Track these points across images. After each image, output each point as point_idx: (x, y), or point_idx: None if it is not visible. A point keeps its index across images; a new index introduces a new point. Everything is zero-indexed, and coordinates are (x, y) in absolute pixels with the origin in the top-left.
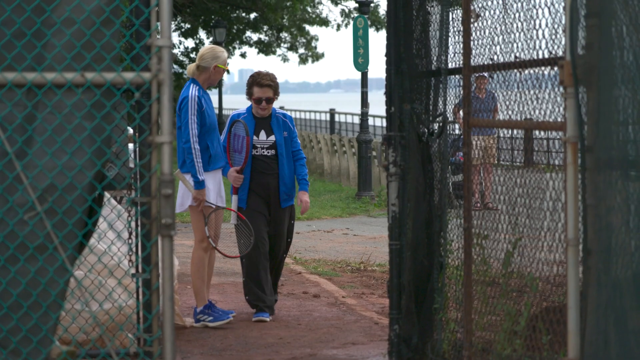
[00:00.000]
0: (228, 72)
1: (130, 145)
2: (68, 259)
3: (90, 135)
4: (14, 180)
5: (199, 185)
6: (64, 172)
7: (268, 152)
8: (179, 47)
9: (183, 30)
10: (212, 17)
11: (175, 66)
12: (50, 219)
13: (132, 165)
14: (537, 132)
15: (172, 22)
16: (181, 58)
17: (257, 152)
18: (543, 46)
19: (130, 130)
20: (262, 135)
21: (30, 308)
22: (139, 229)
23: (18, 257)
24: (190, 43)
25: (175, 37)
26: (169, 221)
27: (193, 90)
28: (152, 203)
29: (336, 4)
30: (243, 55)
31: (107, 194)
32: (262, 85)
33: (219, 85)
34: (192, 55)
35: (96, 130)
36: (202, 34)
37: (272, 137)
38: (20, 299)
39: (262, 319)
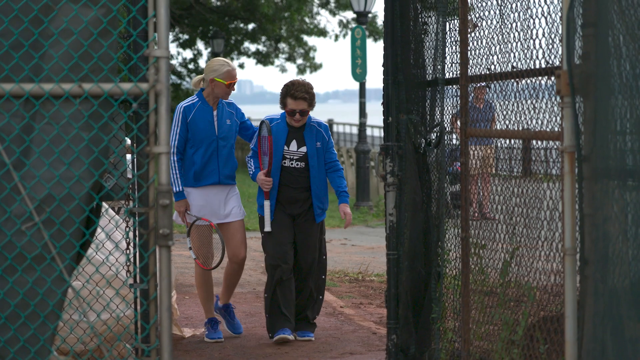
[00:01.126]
0: (229, 86)
1: (128, 156)
2: (66, 269)
3: (88, 145)
4: (11, 190)
5: (176, 196)
6: (61, 183)
7: (297, 164)
8: (177, 58)
9: (181, 41)
10: (210, 27)
11: (173, 77)
12: (48, 229)
13: (129, 175)
14: (535, 142)
15: (170, 33)
16: (179, 69)
17: (285, 163)
18: (540, 56)
19: (128, 141)
20: (293, 145)
21: (28, 318)
22: (137, 239)
23: (16, 267)
24: (188, 54)
25: (174, 48)
26: (166, 231)
27: (186, 101)
28: (149, 213)
29: (334, 14)
30: (241, 66)
31: (105, 205)
32: (296, 98)
33: None
34: (190, 66)
35: (94, 140)
36: (200, 44)
37: (304, 149)
38: (17, 309)
39: (284, 337)
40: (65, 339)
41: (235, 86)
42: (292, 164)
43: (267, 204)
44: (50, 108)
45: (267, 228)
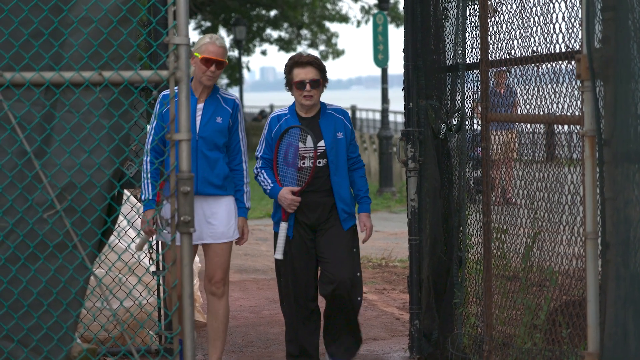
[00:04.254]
0: (208, 64)
1: None
2: (88, 256)
3: (109, 133)
4: (33, 179)
5: (145, 205)
6: (82, 171)
7: (319, 162)
8: None
9: (203, 28)
10: (232, 15)
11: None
12: (69, 217)
13: None
14: (556, 127)
15: (192, 21)
16: None
17: (305, 163)
18: (560, 40)
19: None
20: (309, 141)
21: (51, 306)
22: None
23: (38, 255)
24: None
25: (196, 36)
26: (187, 218)
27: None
28: (171, 200)
29: (356, 0)
30: (264, 52)
31: (126, 192)
32: (303, 64)
33: (239, 82)
34: None
35: (114, 128)
36: (222, 32)
37: (322, 143)
38: (40, 297)
39: None
40: (88, 327)
41: (218, 70)
42: (311, 162)
43: (284, 225)
44: (71, 96)
45: (278, 255)
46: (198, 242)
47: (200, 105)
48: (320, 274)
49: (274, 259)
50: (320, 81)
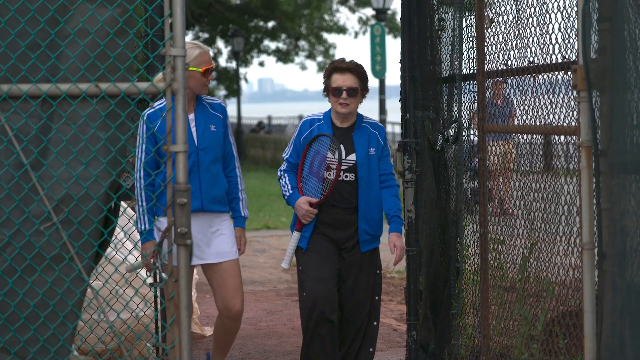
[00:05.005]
0: (205, 74)
1: None
2: (84, 269)
3: (105, 145)
4: (29, 191)
5: (142, 237)
6: (79, 183)
7: (346, 177)
8: None
9: (201, 39)
10: (230, 26)
11: None
12: (66, 229)
13: None
14: (552, 137)
15: (190, 32)
16: None
17: (331, 175)
18: (556, 51)
19: None
20: (341, 151)
21: (47, 318)
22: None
23: (35, 267)
24: None
25: None
26: (184, 230)
27: (152, 106)
28: (167, 212)
29: (353, 11)
30: (261, 64)
31: (123, 204)
32: (342, 71)
33: (237, 94)
34: None
35: (111, 140)
36: (220, 43)
37: (353, 156)
38: (37, 309)
39: None
40: (85, 339)
41: (213, 74)
42: (339, 176)
43: (296, 235)
44: (67, 108)
45: (285, 264)
46: (200, 263)
47: (191, 116)
48: (340, 297)
49: (281, 268)
50: (359, 90)
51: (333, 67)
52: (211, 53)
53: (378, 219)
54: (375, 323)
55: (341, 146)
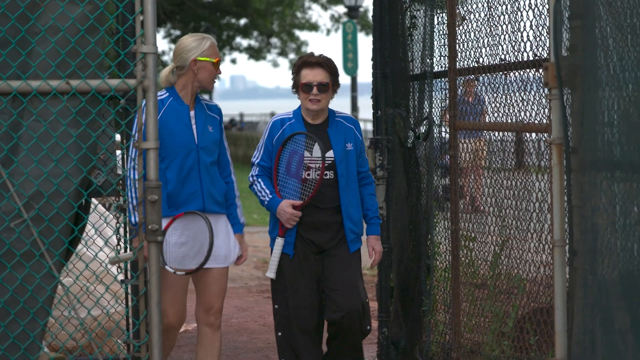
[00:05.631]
0: (217, 66)
1: (118, 152)
2: (55, 265)
3: (76, 142)
4: (0, 188)
5: (134, 232)
6: (50, 180)
7: (325, 175)
8: (168, 54)
9: (173, 37)
10: (202, 23)
11: None
12: (36, 226)
13: (119, 171)
14: (524, 134)
15: (162, 29)
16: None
17: (310, 174)
18: (528, 48)
19: (118, 137)
20: (316, 150)
21: (18, 315)
22: (126, 235)
23: (5, 264)
24: None
25: (165, 44)
26: (155, 227)
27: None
28: (139, 209)
29: (325, 9)
30: (233, 61)
31: (94, 201)
32: (312, 65)
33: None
34: None
35: (82, 137)
36: None
37: (331, 153)
38: (7, 306)
39: None
40: (56, 336)
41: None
42: (317, 174)
43: (279, 242)
44: (38, 105)
45: (270, 274)
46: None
47: (192, 113)
48: (327, 301)
49: (268, 277)
50: (330, 85)
51: (302, 62)
52: None
53: (360, 217)
54: (368, 327)
55: (320, 143)
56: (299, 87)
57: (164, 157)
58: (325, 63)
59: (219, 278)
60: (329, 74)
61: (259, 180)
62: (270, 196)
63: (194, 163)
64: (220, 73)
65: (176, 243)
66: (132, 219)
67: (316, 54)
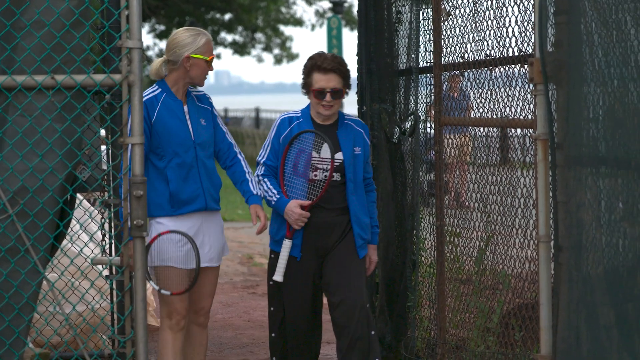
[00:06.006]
0: (210, 64)
1: (103, 147)
2: (40, 261)
3: (61, 137)
4: None
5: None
6: (35, 175)
7: (333, 176)
8: (153, 49)
9: (157, 32)
10: (186, 18)
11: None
12: (21, 221)
13: (104, 167)
14: (509, 130)
15: (147, 24)
16: (155, 60)
17: (317, 175)
18: (513, 44)
19: (103, 132)
20: (325, 150)
21: (3, 310)
22: (112, 230)
23: None
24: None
25: (150, 39)
26: (140, 222)
27: (145, 93)
28: (124, 204)
29: (310, 4)
30: (218, 56)
31: (79, 196)
32: (326, 70)
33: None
34: None
35: (67, 132)
36: None
37: (339, 155)
38: None
39: None
40: (41, 331)
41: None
42: (325, 176)
43: (287, 244)
44: (23, 100)
45: (278, 277)
46: (190, 267)
47: (186, 108)
48: (330, 302)
49: (270, 281)
50: (343, 91)
51: (314, 65)
52: None
53: (368, 222)
54: (372, 332)
55: (330, 143)
56: (309, 89)
57: (162, 155)
58: (338, 68)
59: (212, 279)
60: (341, 79)
61: (265, 180)
62: (277, 196)
63: (192, 160)
64: (212, 70)
65: (175, 247)
66: None
67: (327, 54)
